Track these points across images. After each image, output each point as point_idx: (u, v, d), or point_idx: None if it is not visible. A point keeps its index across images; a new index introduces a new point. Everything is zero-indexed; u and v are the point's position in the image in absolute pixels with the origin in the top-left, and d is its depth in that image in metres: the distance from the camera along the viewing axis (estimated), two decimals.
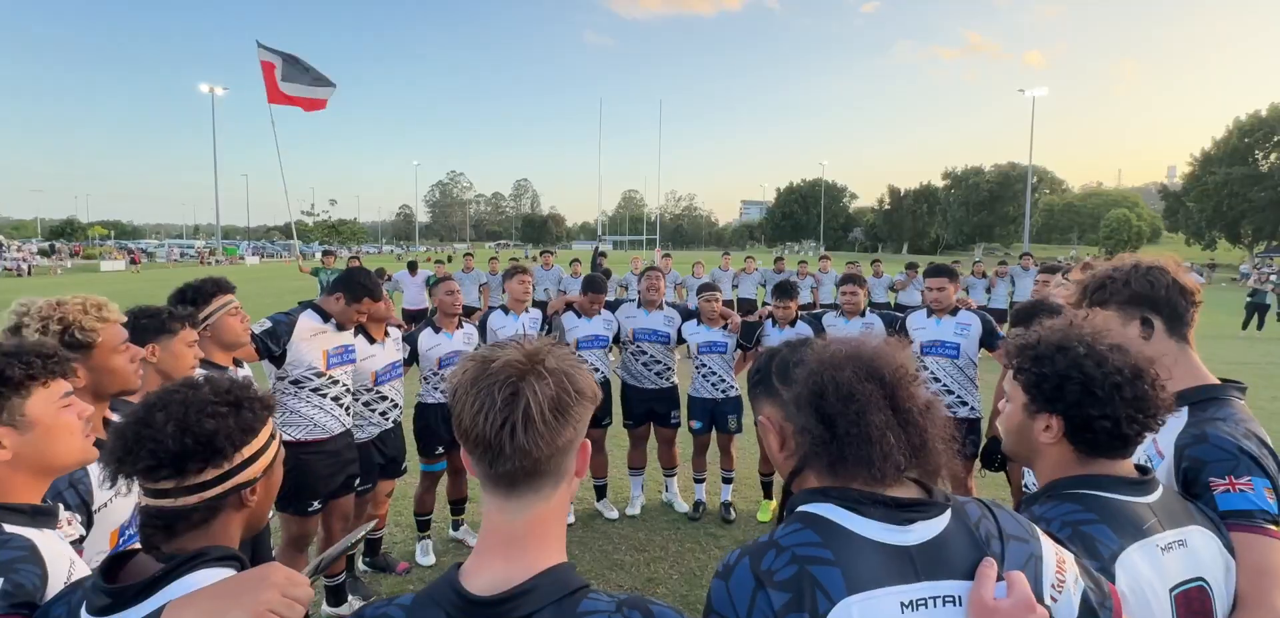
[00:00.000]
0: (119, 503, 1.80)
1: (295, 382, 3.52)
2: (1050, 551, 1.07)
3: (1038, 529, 1.09)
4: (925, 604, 0.98)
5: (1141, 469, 1.34)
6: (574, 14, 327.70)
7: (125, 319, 2.01)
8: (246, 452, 1.18)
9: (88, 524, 1.71)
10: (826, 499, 1.05)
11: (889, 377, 1.06)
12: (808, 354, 1.15)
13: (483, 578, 0.93)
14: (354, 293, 3.67)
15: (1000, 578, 0.99)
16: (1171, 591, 1.23)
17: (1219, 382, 1.58)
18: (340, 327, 3.70)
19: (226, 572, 1.11)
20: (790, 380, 1.15)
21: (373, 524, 2.33)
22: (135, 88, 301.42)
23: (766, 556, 1.02)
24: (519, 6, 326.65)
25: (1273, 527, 1.34)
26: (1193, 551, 1.28)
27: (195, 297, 2.86)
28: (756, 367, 1.28)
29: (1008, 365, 1.40)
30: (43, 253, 56.74)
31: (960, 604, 0.99)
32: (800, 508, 1.08)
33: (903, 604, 0.97)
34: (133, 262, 57.22)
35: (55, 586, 1.26)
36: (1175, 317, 1.60)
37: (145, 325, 2.33)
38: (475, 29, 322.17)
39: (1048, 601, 1.01)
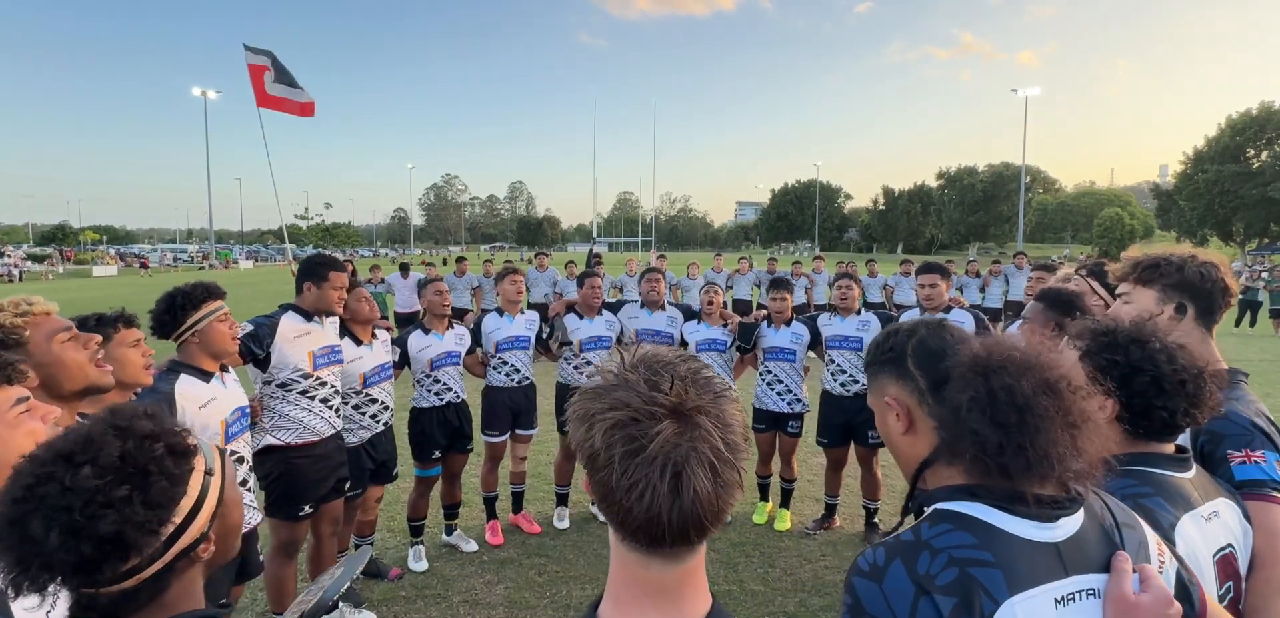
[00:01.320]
0: None
1: (283, 385, 3.47)
2: (1151, 535, 1.11)
3: (1137, 516, 1.12)
4: (1074, 599, 1.00)
5: (1180, 449, 1.42)
6: (567, 15, 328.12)
7: (52, 309, 1.90)
8: (176, 521, 0.95)
9: None
10: (974, 498, 1.04)
11: (1065, 391, 1.04)
12: (961, 347, 1.12)
13: None
14: (318, 274, 3.59)
15: (1133, 570, 1.02)
16: (1213, 556, 1.32)
17: (1228, 369, 1.69)
18: (326, 315, 3.64)
19: None
20: (938, 371, 1.13)
21: (368, 556, 2.22)
22: (127, 92, 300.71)
23: (921, 558, 1.00)
24: (512, 8, 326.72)
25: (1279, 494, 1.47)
26: (1223, 519, 1.38)
27: (185, 302, 2.80)
28: (887, 343, 1.25)
29: (1073, 347, 1.42)
30: (34, 258, 56.31)
31: (1098, 596, 1.01)
32: (945, 505, 1.06)
33: (1056, 600, 0.98)
34: (143, 266, 56.94)
35: (19, 614, 1.14)
36: (1209, 309, 1.78)
37: None
38: (469, 31, 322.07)
39: None
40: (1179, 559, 1.14)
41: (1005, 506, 1.02)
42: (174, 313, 2.80)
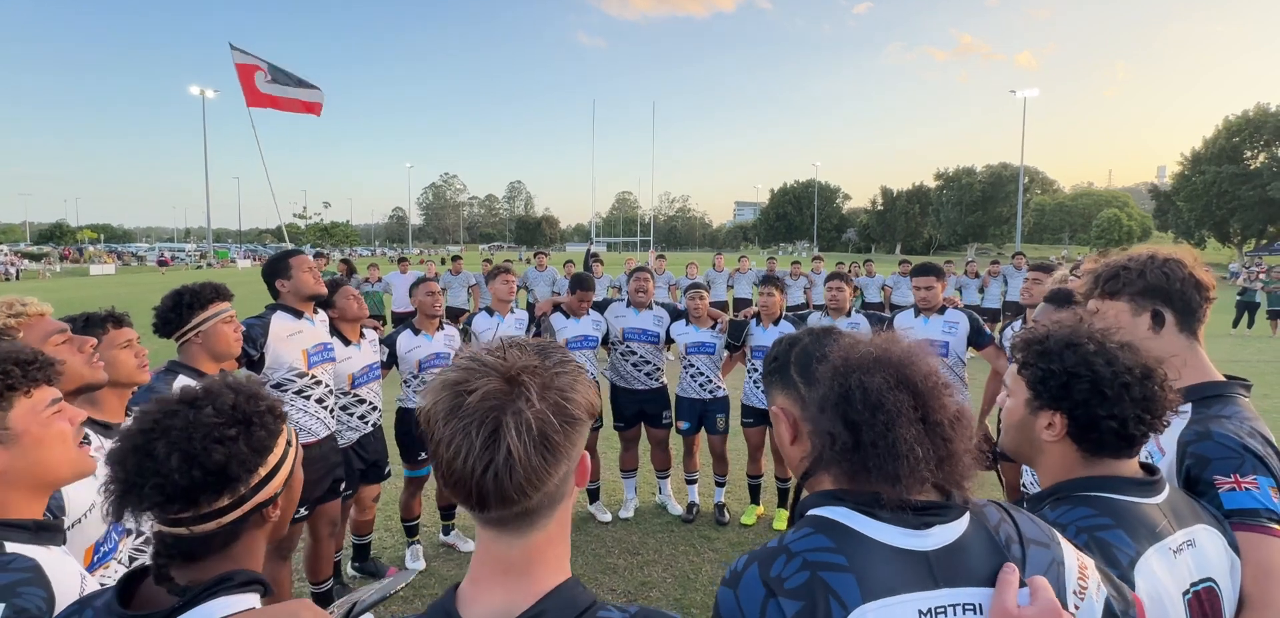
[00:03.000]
0: (94, 518, 1.73)
1: (278, 386, 3.46)
2: (1072, 556, 1.03)
3: (1057, 534, 1.05)
4: (945, 612, 0.93)
5: (1148, 469, 1.31)
6: (565, 15, 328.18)
7: (46, 311, 1.92)
8: (262, 471, 1.08)
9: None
10: (840, 503, 1.00)
11: (921, 385, 1.00)
12: (832, 350, 1.08)
13: (482, 607, 0.86)
14: (281, 269, 3.54)
15: (1022, 584, 0.94)
16: (1184, 594, 1.20)
17: (1224, 379, 1.55)
18: (312, 300, 3.60)
19: (251, 599, 1.05)
20: (811, 375, 1.09)
21: (412, 576, 2.22)
22: (125, 90, 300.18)
23: (776, 562, 0.97)
24: (511, 7, 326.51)
25: (1277, 526, 1.32)
26: (1201, 550, 1.25)
27: (192, 301, 2.77)
28: (774, 353, 1.22)
29: (1012, 360, 1.36)
30: (31, 256, 56.17)
31: (982, 612, 0.94)
32: (811, 511, 1.03)
33: (921, 612, 0.92)
34: (161, 264, 56.92)
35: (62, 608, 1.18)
36: (1188, 311, 1.57)
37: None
38: (467, 30, 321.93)
39: (1071, 608, 0.97)
40: (1114, 586, 1.05)
41: (869, 510, 0.97)
42: (180, 312, 2.76)
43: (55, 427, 1.37)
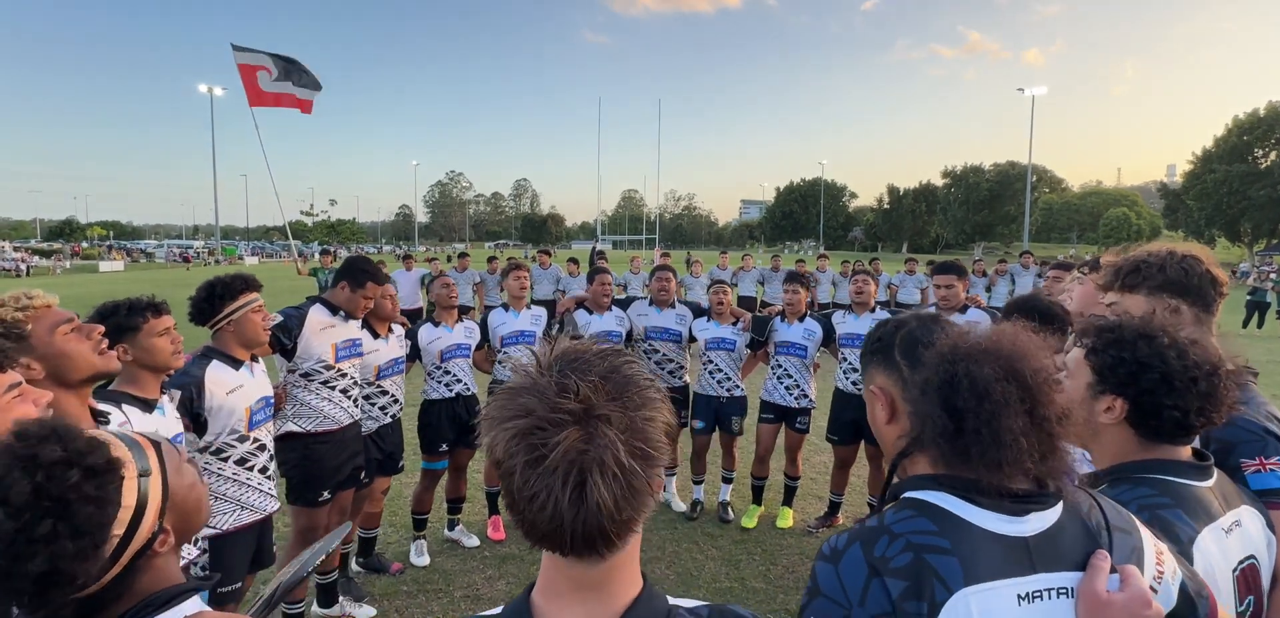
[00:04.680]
0: None
1: (305, 374, 3.57)
2: (1150, 542, 1.06)
3: (1136, 521, 1.08)
4: (1041, 596, 0.96)
5: (1199, 454, 1.36)
6: (571, 12, 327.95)
7: (52, 302, 1.94)
8: (118, 532, 0.92)
9: None
10: (939, 487, 1.02)
11: (1031, 379, 1.00)
12: (940, 336, 1.10)
13: None
14: (357, 279, 3.71)
15: (1112, 570, 0.97)
16: (1233, 571, 1.26)
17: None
18: (349, 317, 3.73)
19: (185, 607, 0.99)
20: (917, 358, 1.11)
21: (346, 530, 2.28)
22: (134, 88, 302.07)
23: (879, 541, 0.99)
24: (516, 5, 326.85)
25: None
26: (1245, 529, 1.31)
27: (224, 291, 2.92)
28: (877, 334, 1.26)
29: (1079, 345, 1.40)
30: (41, 253, 56.64)
31: (1070, 595, 0.97)
32: (910, 493, 1.05)
33: (1019, 596, 0.95)
34: (185, 261, 57.27)
35: None
36: (1204, 306, 1.65)
37: (108, 327, 2.26)
38: (472, 28, 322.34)
39: (1148, 591, 1.00)
40: (1187, 570, 1.09)
41: (969, 496, 1.00)
42: (212, 302, 2.90)
43: (16, 411, 1.36)
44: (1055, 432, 1.00)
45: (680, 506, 5.45)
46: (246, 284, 2.98)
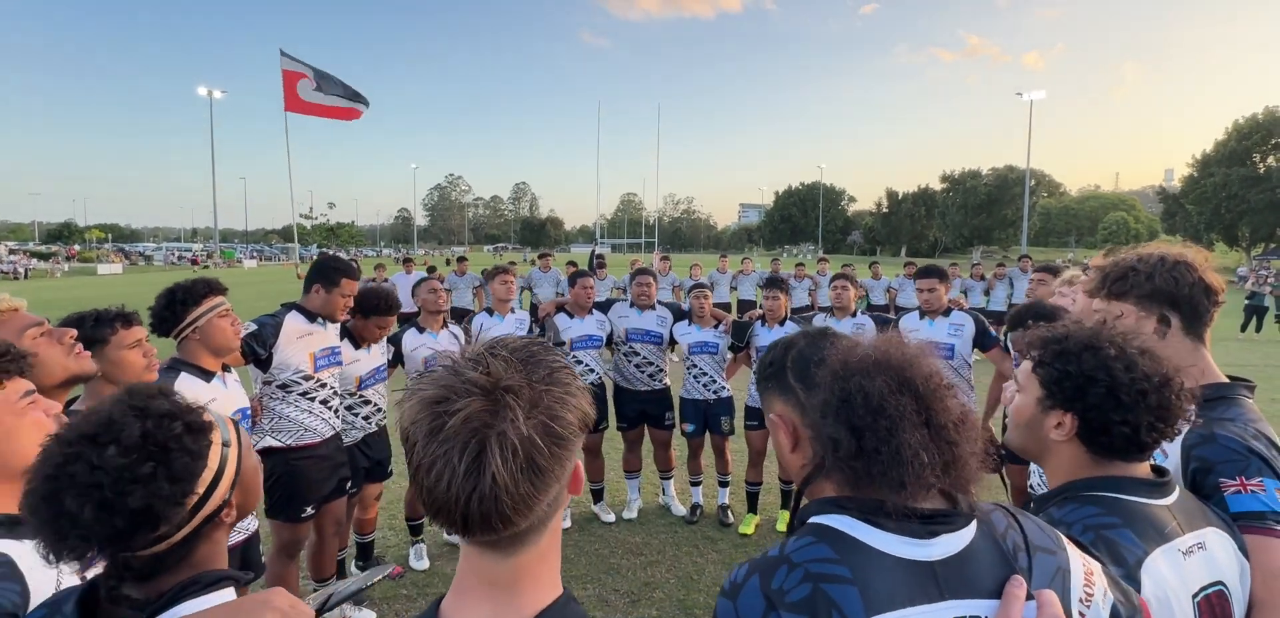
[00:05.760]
0: None
1: (283, 386, 3.44)
2: (1078, 562, 1.00)
3: (1064, 539, 1.03)
4: None
5: (1158, 470, 1.30)
6: (570, 15, 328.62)
7: (20, 306, 1.89)
8: (199, 490, 1.01)
9: None
10: (842, 511, 0.97)
11: (923, 387, 0.97)
12: (830, 353, 1.04)
13: None
14: (330, 279, 3.56)
15: (1029, 596, 0.91)
16: (1194, 596, 1.19)
17: (1228, 380, 1.55)
18: (328, 321, 3.62)
19: (224, 594, 1.04)
20: (810, 379, 1.06)
21: (389, 570, 2.21)
22: (133, 90, 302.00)
23: (777, 573, 0.94)
24: (515, 8, 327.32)
25: None
26: (1211, 553, 1.24)
27: (185, 297, 2.76)
28: (769, 359, 1.18)
29: (1027, 358, 1.35)
30: (39, 255, 56.56)
31: None
32: (813, 519, 1.00)
33: None
34: (193, 262, 56.97)
35: (37, 603, 1.16)
36: (1195, 316, 1.55)
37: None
38: (471, 31, 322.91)
39: (1075, 615, 0.95)
40: (1122, 592, 1.03)
41: (871, 519, 0.94)
42: (174, 309, 2.75)
43: (29, 417, 1.36)
44: (955, 439, 0.96)
45: (680, 510, 5.45)
46: (210, 288, 2.83)
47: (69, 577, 1.30)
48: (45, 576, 1.24)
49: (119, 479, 0.92)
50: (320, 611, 1.52)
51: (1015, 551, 0.96)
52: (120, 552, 0.96)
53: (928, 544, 0.93)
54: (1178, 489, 1.29)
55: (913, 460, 0.92)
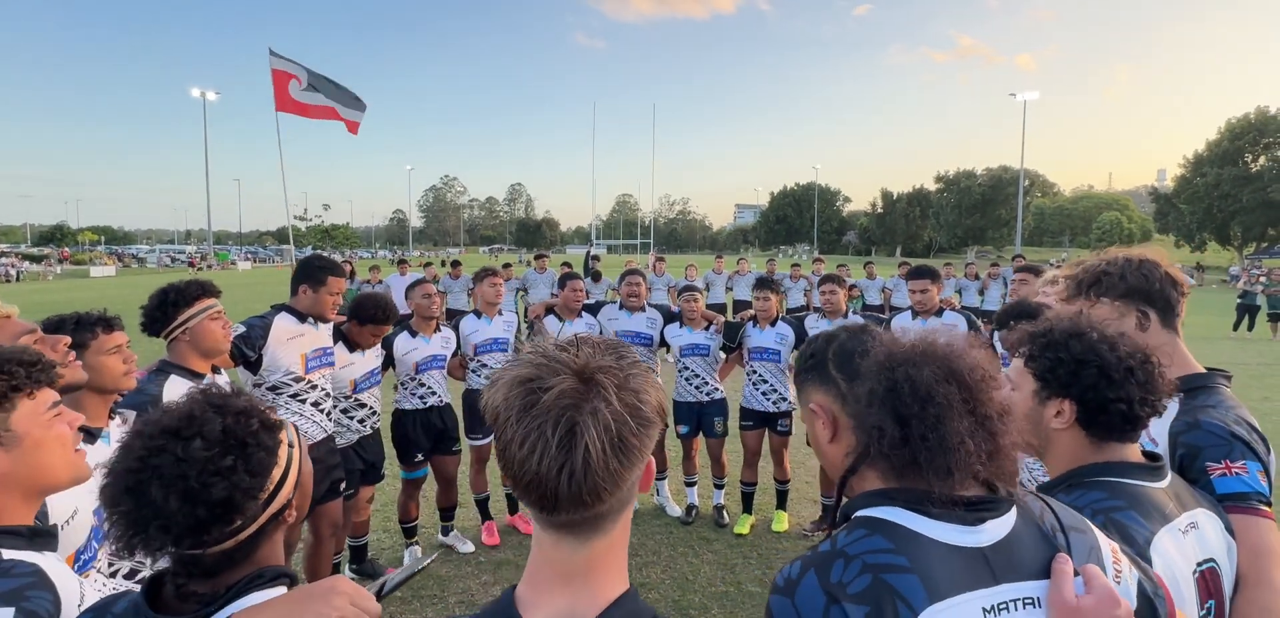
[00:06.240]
0: (77, 523, 1.70)
1: (273, 388, 3.43)
2: (1104, 540, 1.04)
3: (1088, 520, 1.07)
4: (1007, 608, 0.93)
5: (1151, 456, 1.36)
6: (565, 16, 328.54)
7: (12, 312, 1.87)
8: (269, 487, 1.05)
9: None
10: (891, 502, 0.98)
11: (968, 377, 0.99)
12: (873, 344, 1.08)
13: (543, 613, 0.84)
14: (316, 278, 3.54)
15: (1075, 573, 0.96)
16: (1193, 573, 1.25)
17: (1206, 370, 1.64)
18: (319, 321, 3.60)
19: (281, 589, 1.07)
20: (852, 370, 1.08)
21: (433, 557, 2.19)
22: (126, 92, 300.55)
23: (834, 566, 0.94)
24: (509, 9, 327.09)
25: (1265, 508, 1.40)
26: (1203, 532, 1.30)
27: (177, 298, 2.75)
28: (809, 351, 1.21)
29: (1017, 356, 1.40)
30: (31, 258, 56.23)
31: (1040, 606, 0.94)
32: (861, 512, 1.01)
33: (985, 610, 0.92)
34: (190, 264, 56.80)
35: (67, 613, 1.18)
36: (1168, 308, 1.66)
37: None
38: (466, 31, 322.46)
39: None
40: (1141, 569, 1.07)
41: (922, 508, 0.96)
42: (165, 309, 2.74)
43: (56, 429, 1.35)
44: (998, 430, 0.98)
45: (675, 510, 5.44)
46: (202, 290, 2.82)
47: (92, 590, 1.31)
48: (70, 587, 1.24)
49: (203, 470, 0.96)
50: (378, 594, 1.55)
51: (1053, 531, 1.00)
52: (195, 546, 0.99)
53: (976, 531, 0.96)
54: (1170, 473, 1.36)
55: (959, 448, 0.95)
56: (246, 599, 1.01)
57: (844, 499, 1.09)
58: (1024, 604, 0.94)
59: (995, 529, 0.97)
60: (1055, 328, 1.34)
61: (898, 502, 0.98)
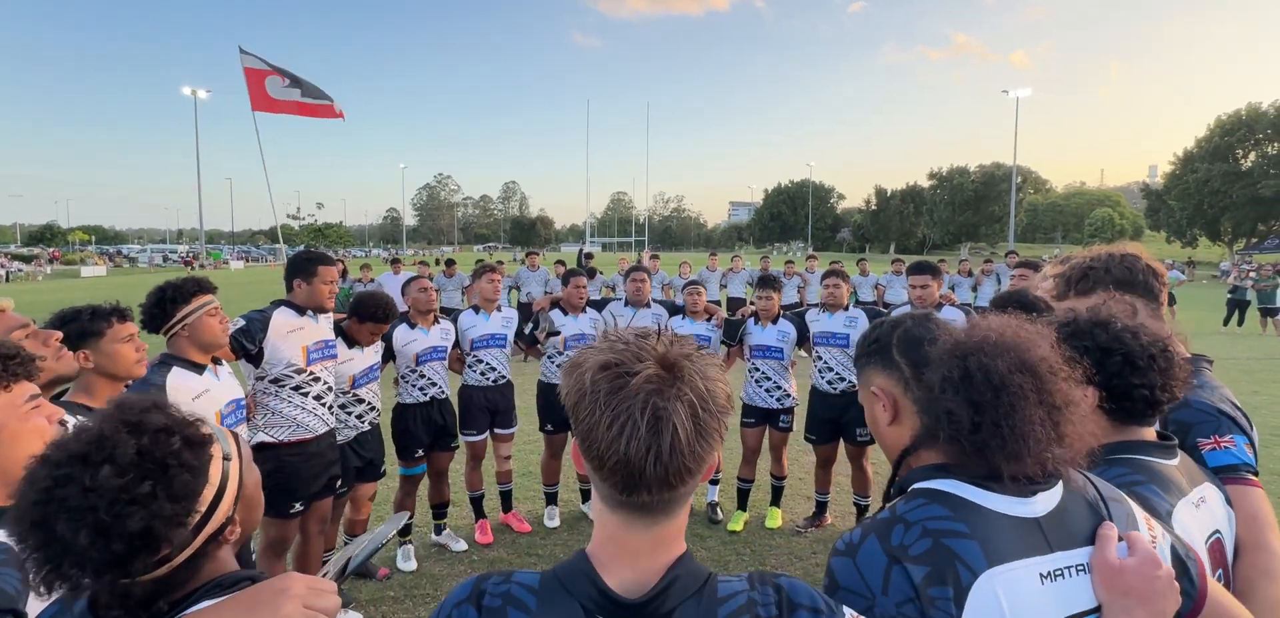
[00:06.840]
0: None
1: (275, 380, 3.46)
2: (1139, 511, 1.10)
3: (1125, 494, 1.14)
4: (1062, 575, 0.99)
5: (1163, 435, 1.40)
6: (560, 14, 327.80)
7: (8, 305, 1.92)
8: (201, 508, 0.94)
9: None
10: (947, 475, 1.04)
11: (1041, 369, 1.03)
12: (942, 333, 1.13)
13: (617, 576, 0.86)
14: (307, 271, 3.58)
15: (1120, 539, 1.01)
16: (1206, 542, 1.30)
17: (1190, 355, 1.70)
18: (318, 313, 3.62)
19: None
20: (920, 356, 1.13)
21: (405, 518, 2.21)
22: (117, 91, 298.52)
23: (895, 530, 1.00)
24: (504, 7, 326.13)
25: (1254, 477, 1.48)
26: (1210, 505, 1.37)
27: (175, 296, 2.81)
28: (872, 336, 1.26)
29: None
30: (21, 258, 55.78)
31: (1088, 571, 1.00)
32: (919, 484, 1.07)
33: (1042, 575, 0.98)
34: (184, 263, 56.79)
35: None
36: (1152, 297, 1.76)
37: (70, 332, 2.22)
38: (460, 29, 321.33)
39: None
40: (1174, 535, 1.12)
41: (980, 482, 1.02)
42: (164, 307, 2.80)
43: (33, 421, 1.36)
44: (1063, 419, 1.02)
45: None
46: (200, 286, 2.88)
47: None
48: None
49: (115, 501, 0.85)
50: (340, 577, 1.51)
51: (1097, 502, 1.07)
52: (119, 578, 0.89)
53: (1030, 502, 1.02)
54: (1180, 452, 1.41)
55: (1030, 435, 0.99)
56: (196, 607, 0.96)
57: (899, 475, 1.15)
58: (1077, 570, 1.00)
59: (1046, 501, 1.03)
60: (1080, 318, 1.38)
61: (955, 475, 1.04)
